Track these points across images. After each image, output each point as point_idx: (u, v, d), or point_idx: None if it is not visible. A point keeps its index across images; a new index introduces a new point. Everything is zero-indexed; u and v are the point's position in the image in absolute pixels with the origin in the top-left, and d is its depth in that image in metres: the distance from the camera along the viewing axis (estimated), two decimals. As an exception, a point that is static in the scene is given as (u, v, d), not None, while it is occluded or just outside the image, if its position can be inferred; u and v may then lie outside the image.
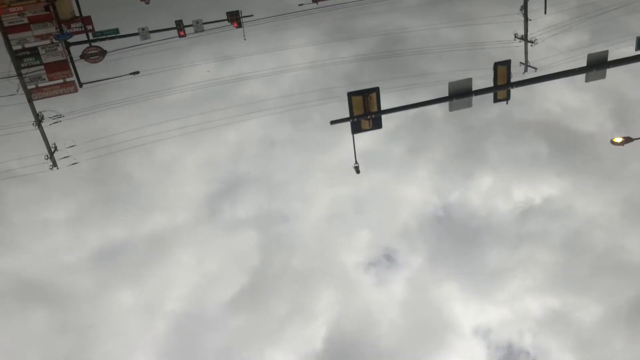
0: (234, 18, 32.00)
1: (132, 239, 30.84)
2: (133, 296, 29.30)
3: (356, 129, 18.56)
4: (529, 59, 28.98)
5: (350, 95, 17.97)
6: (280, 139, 35.48)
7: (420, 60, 35.46)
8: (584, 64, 18.63)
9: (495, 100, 19.44)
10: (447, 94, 18.25)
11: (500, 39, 31.67)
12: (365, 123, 18.53)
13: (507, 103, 19.70)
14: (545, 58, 28.79)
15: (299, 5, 39.04)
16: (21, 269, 29.22)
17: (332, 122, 18.40)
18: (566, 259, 31.97)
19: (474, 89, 18.36)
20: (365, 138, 19.85)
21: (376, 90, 18.11)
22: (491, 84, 19.04)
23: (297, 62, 35.84)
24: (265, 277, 30.51)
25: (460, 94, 18.10)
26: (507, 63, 18.96)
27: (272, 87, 35.73)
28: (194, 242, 31.33)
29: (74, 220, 30.88)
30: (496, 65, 18.74)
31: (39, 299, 28.85)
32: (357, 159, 19.42)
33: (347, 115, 18.14)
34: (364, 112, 18.08)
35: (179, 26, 31.32)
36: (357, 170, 19.54)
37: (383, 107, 18.59)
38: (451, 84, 18.01)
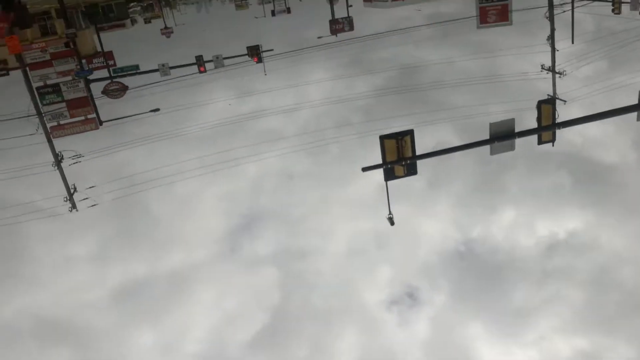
0: (254, 53, 31.95)
1: (151, 276, 30.66)
2: (153, 335, 29.00)
3: (389, 176, 17.04)
4: (557, 91, 28.25)
5: (383, 138, 16.37)
6: (299, 173, 35.26)
7: (442, 93, 35.15)
8: (621, 96, 17.67)
9: (540, 142, 17.75)
10: (487, 135, 16.53)
11: (526, 70, 31.15)
12: (399, 169, 17.04)
13: (552, 145, 18.13)
14: (574, 90, 28.13)
15: (318, 37, 39.16)
16: (41, 307, 29.10)
17: (364, 169, 16.95)
18: (594, 296, 31.15)
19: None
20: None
21: (410, 133, 16.56)
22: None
23: (316, 96, 35.72)
24: (286, 316, 30.06)
25: (502, 136, 16.46)
26: (551, 101, 17.37)
27: (292, 120, 35.63)
28: (213, 279, 31.05)
29: (94, 258, 30.81)
30: (540, 104, 17.00)
31: (58, 337, 28.65)
32: (389, 207, 17.95)
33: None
34: (398, 157, 16.60)
35: (199, 62, 31.32)
36: (392, 222, 18.15)
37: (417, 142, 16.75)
38: (493, 125, 16.32)
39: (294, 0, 65.54)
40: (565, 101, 28.41)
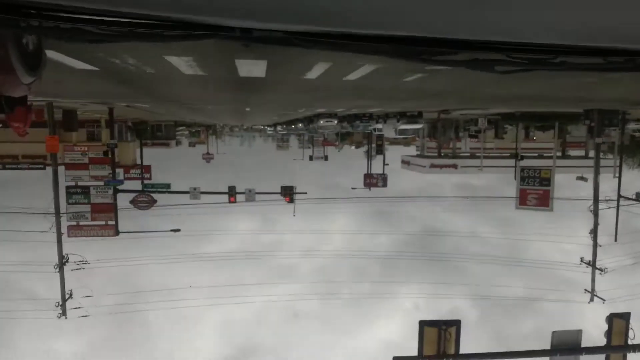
0: (288, 193, 31.74)
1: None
2: None
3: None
4: (595, 288, 26.47)
5: (423, 325, 13.79)
6: (305, 313, 32.98)
7: (469, 264, 33.74)
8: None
9: (609, 363, 14.82)
10: (549, 344, 14.08)
11: (563, 259, 29.77)
12: (438, 366, 13.81)
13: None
14: (613, 289, 26.25)
15: (352, 188, 39.38)
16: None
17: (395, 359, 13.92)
18: None
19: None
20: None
21: (457, 324, 13.99)
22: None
23: (339, 242, 34.72)
24: None
25: (566, 348, 13.93)
26: (625, 316, 14.78)
27: (309, 261, 34.28)
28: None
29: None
30: (612, 317, 14.66)
31: None
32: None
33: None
34: (438, 352, 13.64)
35: (231, 192, 31.13)
36: None
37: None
38: (556, 335, 14.02)
39: (332, 149, 68.07)
40: (604, 300, 26.52)
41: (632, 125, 37.52)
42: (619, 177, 27.90)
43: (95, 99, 21.70)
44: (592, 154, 41.58)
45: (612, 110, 24.46)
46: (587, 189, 31.93)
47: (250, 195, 30.82)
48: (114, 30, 1.61)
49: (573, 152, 46.22)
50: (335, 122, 36.62)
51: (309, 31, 1.60)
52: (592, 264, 25.90)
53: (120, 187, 32.33)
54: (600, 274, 25.91)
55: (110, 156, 31.50)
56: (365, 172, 41.86)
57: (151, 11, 1.48)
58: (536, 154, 41.88)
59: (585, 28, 1.63)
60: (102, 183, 31.45)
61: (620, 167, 29.25)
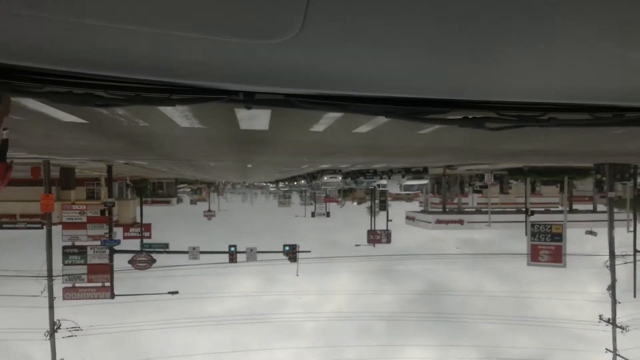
0: (290, 252, 30.68)
1: None
2: None
3: None
4: (617, 347, 24.86)
5: None
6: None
7: (482, 324, 32.22)
8: None
9: None
10: None
11: (581, 317, 28.29)
12: None
13: None
14: (637, 348, 24.62)
15: (356, 245, 38.37)
16: None
17: None
18: None
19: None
20: None
21: None
22: None
23: (341, 302, 33.39)
24: None
25: None
26: None
27: (312, 322, 32.81)
28: None
29: None
30: None
31: None
32: None
33: None
34: None
35: (232, 252, 30.04)
36: None
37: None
38: None
39: (334, 206, 67.39)
40: (627, 360, 24.95)
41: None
42: (634, 231, 26.97)
43: (91, 156, 21.24)
44: (599, 207, 40.89)
45: (624, 164, 23.96)
46: (596, 243, 30.99)
47: (252, 254, 29.74)
48: (123, 94, 1.67)
49: (580, 207, 45.46)
50: (340, 178, 36.09)
51: (308, 94, 1.69)
52: (612, 321, 24.51)
53: (118, 247, 31.45)
54: (622, 332, 24.50)
55: (107, 215, 30.78)
56: (369, 229, 40.95)
57: (158, 77, 1.54)
58: (542, 209, 41.12)
59: (572, 86, 1.69)
60: (98, 243, 30.65)
61: (635, 220, 28.41)
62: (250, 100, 1.71)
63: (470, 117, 1.96)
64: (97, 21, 1.20)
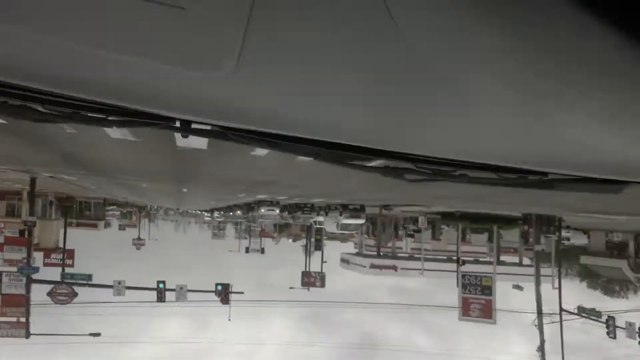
0: (223, 292, 29.61)
1: None
2: None
3: None
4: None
5: None
6: None
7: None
8: None
9: None
10: None
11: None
12: None
13: None
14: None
15: (290, 288, 37.72)
16: None
17: None
18: None
19: None
20: None
21: None
22: None
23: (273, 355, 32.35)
24: None
25: None
26: None
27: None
28: None
29: None
30: None
31: None
32: None
33: None
34: None
35: (160, 290, 28.49)
36: None
37: None
38: None
39: (269, 241, 66.42)
40: None
41: (563, 233, 38.59)
42: (559, 289, 28.05)
43: (11, 165, 19.20)
44: (525, 261, 42.39)
45: (550, 217, 24.83)
46: (523, 298, 31.88)
47: (182, 293, 28.44)
48: (59, 110, 1.66)
49: (506, 258, 46.82)
50: (277, 211, 35.60)
51: (244, 128, 1.71)
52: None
53: (36, 276, 29.23)
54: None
55: (27, 236, 28.60)
56: (303, 270, 40.47)
57: (95, 97, 1.51)
58: (472, 258, 42.09)
59: (481, 148, 1.79)
60: (15, 269, 28.37)
61: (559, 277, 29.57)
62: (187, 129, 1.74)
63: (391, 166, 2.06)
64: (32, 33, 1.14)
